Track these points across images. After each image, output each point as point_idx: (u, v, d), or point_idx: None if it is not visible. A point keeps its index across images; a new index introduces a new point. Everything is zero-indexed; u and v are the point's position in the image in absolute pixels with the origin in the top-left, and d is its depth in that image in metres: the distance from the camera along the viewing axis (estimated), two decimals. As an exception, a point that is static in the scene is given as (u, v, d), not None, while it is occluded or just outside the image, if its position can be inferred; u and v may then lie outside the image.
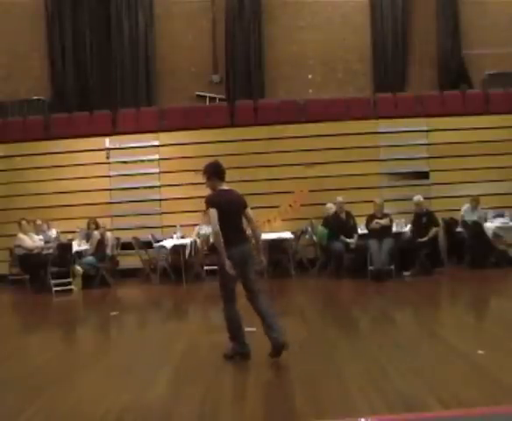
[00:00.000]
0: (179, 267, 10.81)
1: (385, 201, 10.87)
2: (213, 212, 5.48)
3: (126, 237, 11.50)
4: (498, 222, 10.89)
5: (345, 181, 11.65)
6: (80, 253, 10.95)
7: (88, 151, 12.20)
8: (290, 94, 13.01)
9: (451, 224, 11.21)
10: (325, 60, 13.62)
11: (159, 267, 11.11)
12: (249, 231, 5.88)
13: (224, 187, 5.74)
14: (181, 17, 13.75)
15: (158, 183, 12.09)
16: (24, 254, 10.83)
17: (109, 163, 12.26)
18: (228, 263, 5.40)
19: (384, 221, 10.34)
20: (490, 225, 10.75)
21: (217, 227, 5.42)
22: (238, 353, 5.63)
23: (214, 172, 5.73)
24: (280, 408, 4.50)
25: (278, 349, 5.50)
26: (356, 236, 10.68)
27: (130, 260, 11.60)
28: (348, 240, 10.59)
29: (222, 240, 5.41)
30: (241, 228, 5.74)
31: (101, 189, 12.15)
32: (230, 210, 5.56)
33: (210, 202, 5.58)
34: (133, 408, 4.63)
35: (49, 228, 11.54)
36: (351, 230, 10.75)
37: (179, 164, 12.00)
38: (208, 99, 13.57)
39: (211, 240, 9.39)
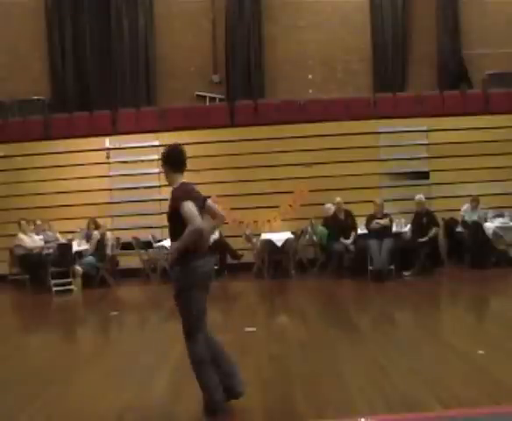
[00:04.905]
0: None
1: (385, 201, 10.86)
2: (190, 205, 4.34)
3: (126, 237, 11.48)
4: (498, 222, 10.87)
5: (345, 181, 11.63)
6: (80, 253, 10.94)
7: (88, 151, 12.18)
8: (290, 94, 13.00)
9: (451, 224, 11.21)
10: (325, 60, 13.61)
11: (159, 267, 11.10)
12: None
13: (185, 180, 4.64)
14: (181, 17, 13.73)
15: (158, 183, 12.05)
16: (24, 254, 10.83)
17: (109, 163, 12.25)
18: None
19: (384, 221, 10.33)
20: (490, 225, 10.73)
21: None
22: (218, 404, 4.32)
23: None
24: (280, 408, 4.50)
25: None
26: (353, 234, 10.64)
27: (130, 260, 11.59)
28: (345, 242, 10.58)
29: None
30: None
31: (101, 189, 12.14)
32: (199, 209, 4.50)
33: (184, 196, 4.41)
34: (133, 408, 4.64)
35: (50, 228, 11.53)
36: (349, 230, 10.73)
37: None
38: (208, 99, 13.56)
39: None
